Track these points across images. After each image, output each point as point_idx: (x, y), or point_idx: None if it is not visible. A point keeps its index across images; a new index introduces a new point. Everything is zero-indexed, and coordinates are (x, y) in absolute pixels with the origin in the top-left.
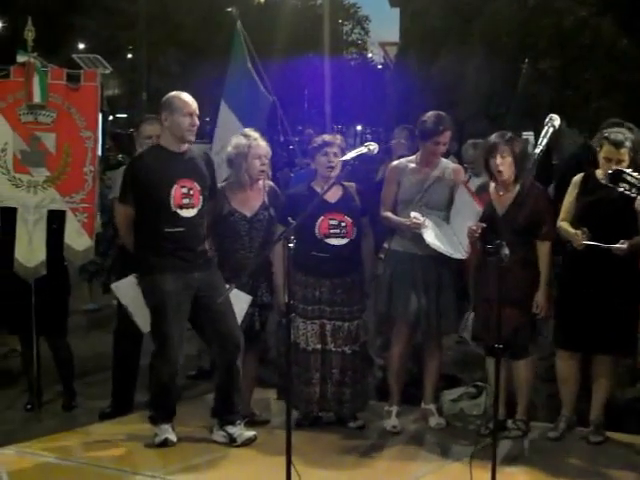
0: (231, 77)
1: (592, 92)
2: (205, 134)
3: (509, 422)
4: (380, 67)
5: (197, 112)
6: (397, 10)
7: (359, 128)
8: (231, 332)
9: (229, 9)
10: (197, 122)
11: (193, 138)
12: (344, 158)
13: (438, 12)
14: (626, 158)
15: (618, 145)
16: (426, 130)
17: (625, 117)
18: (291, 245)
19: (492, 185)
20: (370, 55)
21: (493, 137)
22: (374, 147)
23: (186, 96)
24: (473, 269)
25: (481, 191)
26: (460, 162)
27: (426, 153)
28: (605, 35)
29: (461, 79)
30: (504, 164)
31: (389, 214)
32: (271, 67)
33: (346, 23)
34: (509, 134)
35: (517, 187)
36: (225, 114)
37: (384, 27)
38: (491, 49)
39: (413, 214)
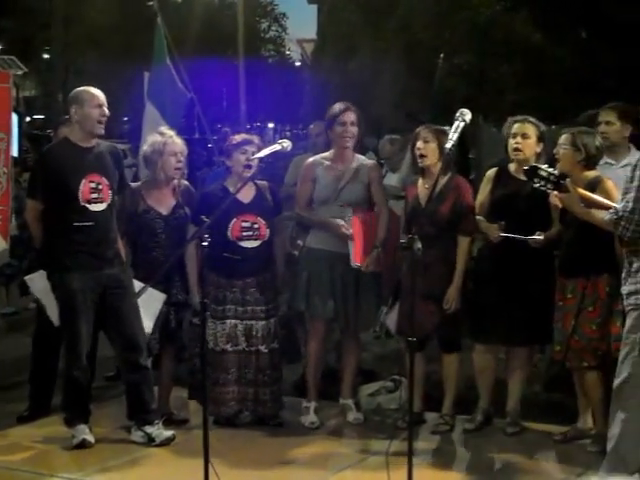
0: (153, 74)
1: (507, 86)
2: (124, 134)
3: (437, 417)
4: (298, 64)
5: (106, 104)
6: (315, 7)
7: (271, 125)
8: (135, 332)
9: (150, 3)
10: (107, 113)
11: (102, 131)
12: (258, 156)
13: (354, 8)
14: (532, 133)
15: (523, 120)
16: (330, 115)
17: (540, 111)
18: (205, 244)
19: (420, 179)
20: (288, 52)
21: (418, 127)
22: (287, 144)
23: (94, 89)
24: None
25: (410, 186)
26: (378, 158)
27: (337, 143)
28: (519, 30)
29: (378, 75)
30: (427, 149)
31: (306, 213)
32: (190, 65)
33: (263, 20)
34: (436, 126)
35: (442, 180)
36: (150, 112)
37: (302, 24)
38: (407, 44)
39: (341, 222)
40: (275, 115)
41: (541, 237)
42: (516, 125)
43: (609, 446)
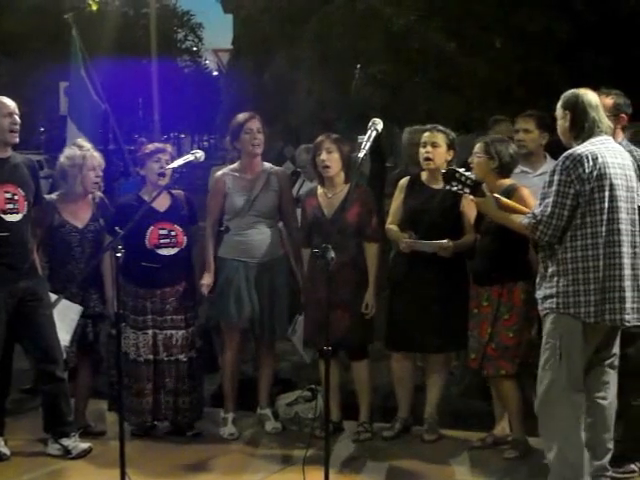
0: (70, 86)
1: (422, 95)
2: (40, 144)
3: (356, 425)
4: (215, 74)
5: (17, 112)
6: (231, 16)
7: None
8: (51, 343)
9: (65, 16)
10: (18, 121)
11: (16, 140)
12: (171, 165)
13: (270, 17)
14: (441, 142)
15: (431, 129)
16: (235, 124)
17: (455, 120)
18: (119, 255)
19: (320, 189)
20: (206, 62)
21: (319, 137)
22: (201, 155)
23: (4, 98)
24: (304, 273)
25: (308, 196)
26: (295, 167)
27: (245, 151)
28: (433, 39)
29: (294, 84)
30: (330, 159)
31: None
32: (106, 75)
33: (180, 30)
34: (335, 135)
35: (346, 189)
36: (70, 125)
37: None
38: (323, 54)
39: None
40: (192, 125)
41: (450, 244)
42: (426, 134)
43: (550, 456)
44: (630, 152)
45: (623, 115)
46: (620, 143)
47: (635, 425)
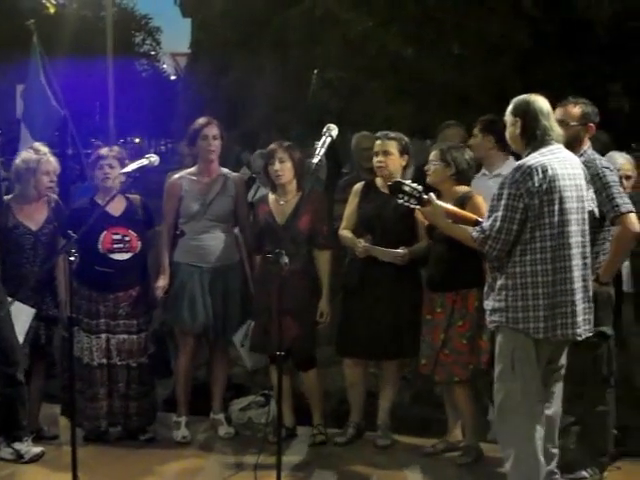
0: (26, 90)
1: (380, 101)
2: None
3: (310, 430)
4: (173, 78)
5: None
6: (189, 20)
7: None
8: (9, 347)
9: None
10: None
11: None
12: (125, 170)
13: (228, 22)
14: (393, 149)
15: (383, 136)
16: (192, 130)
17: (413, 126)
18: (72, 258)
19: (271, 196)
20: (164, 66)
21: (272, 145)
22: (155, 159)
23: None
24: (254, 279)
25: (260, 202)
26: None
27: (202, 157)
28: (391, 45)
29: (251, 89)
30: (283, 168)
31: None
32: (64, 78)
33: (138, 34)
34: (287, 142)
35: (298, 196)
36: (23, 130)
37: (177, 38)
38: (281, 59)
39: None
40: (150, 129)
41: (405, 251)
42: (377, 142)
43: (507, 465)
44: (593, 161)
45: (591, 124)
46: (585, 152)
47: (591, 433)
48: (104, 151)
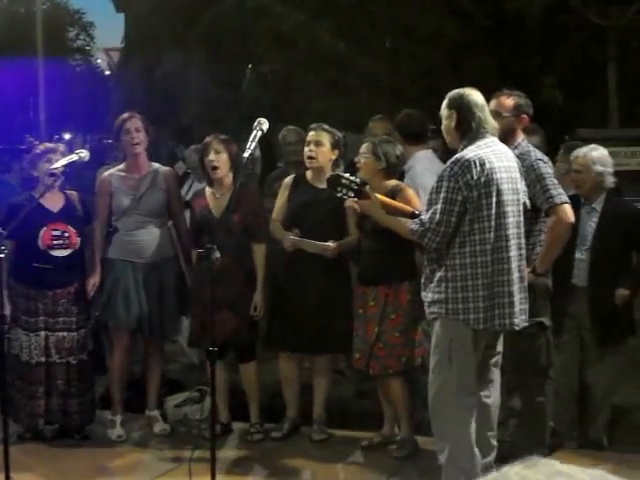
0: None
1: (313, 95)
2: None
3: (247, 426)
4: (108, 73)
5: None
6: (122, 15)
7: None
8: None
9: None
10: None
11: None
12: (55, 166)
13: (160, 16)
14: (325, 141)
15: (316, 127)
16: (116, 126)
17: (347, 120)
18: (1, 256)
19: (208, 190)
20: (97, 61)
21: (207, 137)
22: (85, 154)
23: None
24: (191, 274)
25: (197, 196)
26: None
27: (127, 152)
28: (323, 39)
29: (184, 84)
30: (219, 160)
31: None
32: None
33: (71, 29)
34: (223, 136)
35: (235, 189)
36: None
37: (111, 33)
38: (213, 53)
39: None
40: (84, 124)
41: (334, 245)
42: (310, 133)
43: (442, 458)
44: (527, 153)
45: (524, 116)
46: (520, 144)
47: (529, 423)
48: (52, 145)
